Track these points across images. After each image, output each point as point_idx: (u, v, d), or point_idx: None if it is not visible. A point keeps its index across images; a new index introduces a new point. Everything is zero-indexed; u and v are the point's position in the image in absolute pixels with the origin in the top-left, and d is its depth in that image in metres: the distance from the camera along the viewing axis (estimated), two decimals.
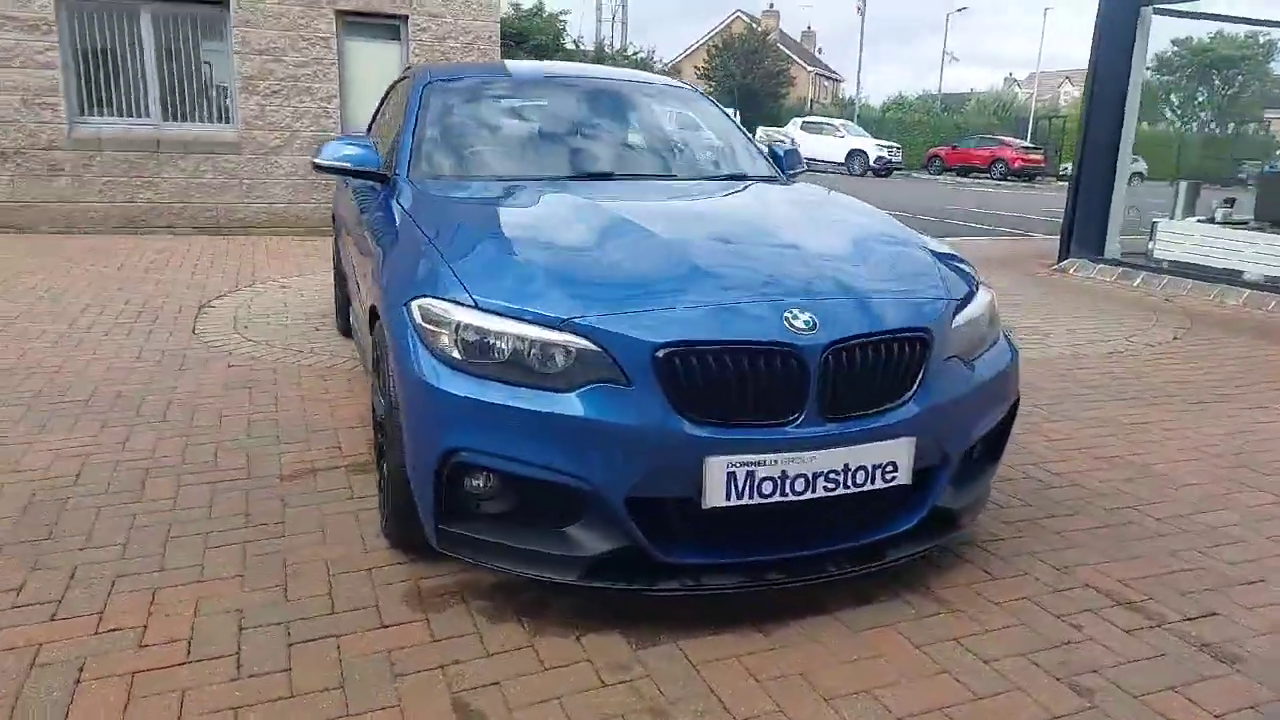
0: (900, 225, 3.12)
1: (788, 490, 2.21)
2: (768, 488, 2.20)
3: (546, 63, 4.59)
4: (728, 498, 2.17)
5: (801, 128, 31.87)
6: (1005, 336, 2.86)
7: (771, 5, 59.00)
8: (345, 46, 9.28)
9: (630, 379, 2.14)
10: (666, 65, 49.53)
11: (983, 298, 2.74)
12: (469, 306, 2.25)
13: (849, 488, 2.28)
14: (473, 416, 2.17)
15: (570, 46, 43.80)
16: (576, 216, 2.77)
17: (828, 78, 61.77)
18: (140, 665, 2.08)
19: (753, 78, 43.94)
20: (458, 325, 2.23)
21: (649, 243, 2.59)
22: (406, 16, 9.36)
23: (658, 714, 1.98)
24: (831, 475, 2.25)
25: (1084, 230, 9.16)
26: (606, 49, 45.38)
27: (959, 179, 30.44)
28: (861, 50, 37.31)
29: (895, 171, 30.25)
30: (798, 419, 2.22)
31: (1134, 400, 4.61)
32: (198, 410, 3.84)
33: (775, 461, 2.19)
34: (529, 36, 40.69)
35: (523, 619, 2.33)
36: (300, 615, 2.31)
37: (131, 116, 8.71)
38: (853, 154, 29.67)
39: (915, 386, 2.37)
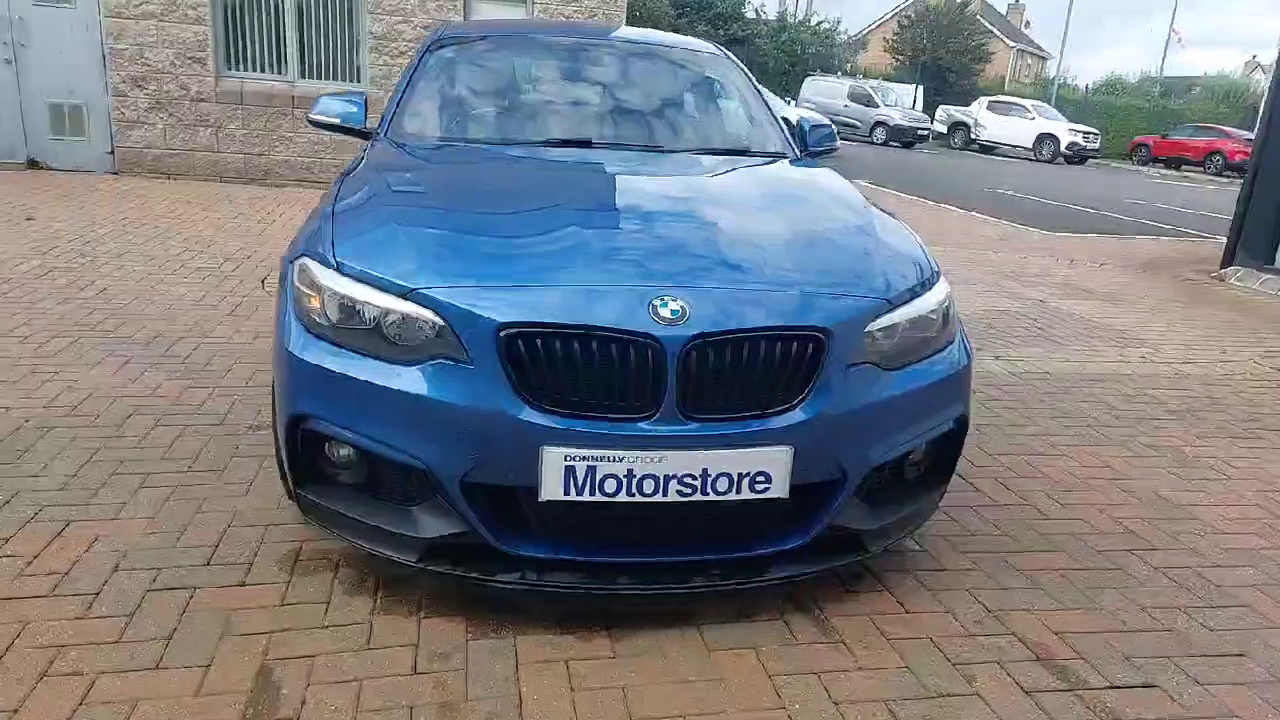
0: (870, 215, 2.79)
1: (634, 490, 2.05)
2: (611, 485, 2.04)
3: (571, 21, 4.45)
4: (565, 492, 2.04)
5: (987, 108, 29.82)
6: (963, 341, 2.53)
7: None
8: (472, 9, 9.46)
9: (471, 357, 2.04)
10: (852, 37, 47.75)
11: (930, 298, 2.43)
12: (334, 270, 2.21)
13: (708, 495, 2.09)
14: (320, 384, 2.14)
15: (750, 15, 43.14)
16: (499, 186, 2.68)
17: (1033, 55, 57.58)
18: (4, 593, 2.20)
19: (945, 52, 41.54)
20: (324, 289, 2.19)
21: (552, 217, 2.46)
22: None
23: (446, 709, 1.90)
24: (686, 479, 2.06)
25: (1254, 234, 8.09)
26: (789, 19, 44.28)
27: (1165, 171, 27.71)
28: (1068, 24, 34.12)
29: (1091, 159, 27.86)
30: (653, 415, 2.04)
31: (1216, 432, 4.03)
32: (216, 356, 4.05)
33: (621, 459, 2.03)
34: (711, 5, 40.39)
35: (380, 594, 2.30)
36: (175, 564, 2.37)
37: (271, 72, 9.27)
38: (1042, 138, 27.50)
39: (805, 392, 2.13)
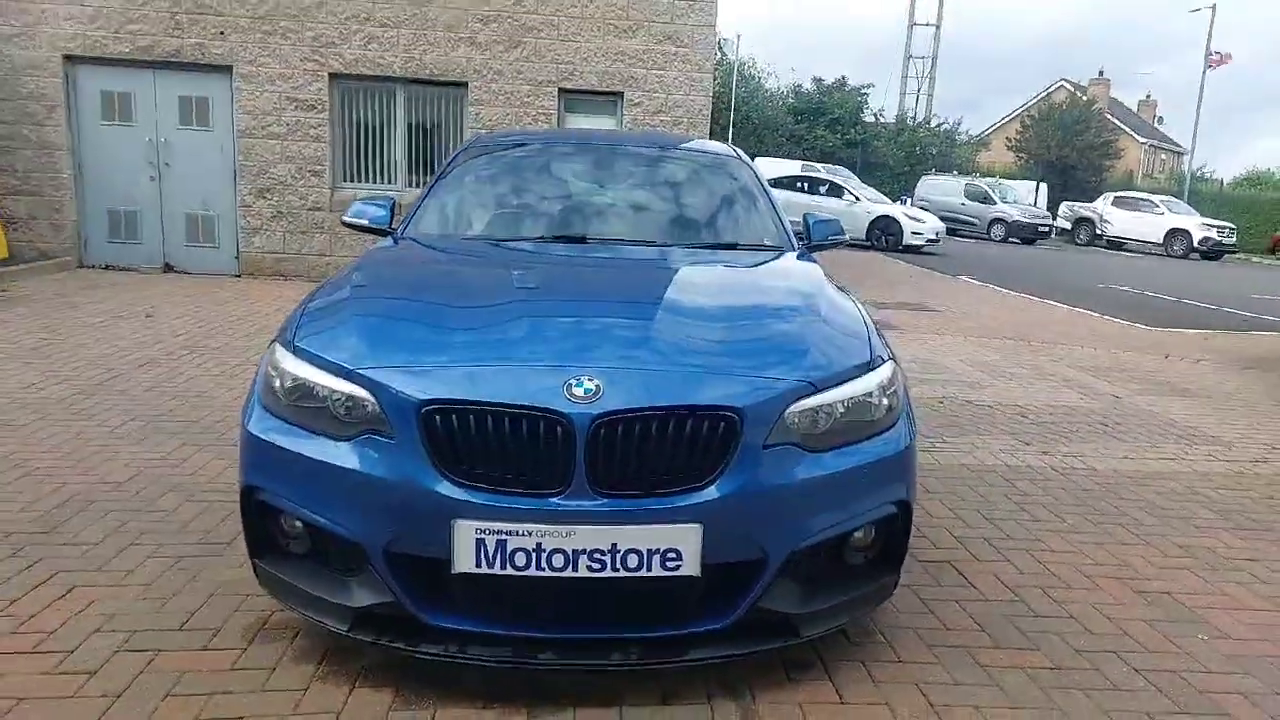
0: (821, 302, 2.82)
1: (544, 565, 2.12)
2: (521, 559, 2.12)
3: (594, 129, 4.72)
4: (477, 564, 2.12)
5: (1113, 203, 28.88)
6: (908, 425, 2.51)
7: (1101, 73, 54.29)
8: (565, 120, 10.07)
9: (395, 433, 2.19)
10: (973, 138, 47.45)
11: (868, 380, 2.43)
12: (292, 353, 2.42)
13: (619, 571, 2.13)
14: (269, 458, 2.32)
15: (869, 119, 43.62)
16: (468, 279, 2.88)
17: (1167, 150, 55.54)
18: None
19: (1070, 149, 40.69)
20: (282, 371, 2.40)
21: (503, 307, 2.61)
22: (622, 93, 9.97)
23: None
24: (596, 555, 2.12)
25: None
26: (909, 121, 44.53)
27: None
28: (1198, 118, 32.74)
29: (1227, 255, 26.43)
30: (563, 490, 2.12)
31: (1263, 535, 3.74)
32: None
33: (530, 533, 2.11)
34: (827, 110, 41.18)
35: (324, 664, 2.41)
36: (151, 627, 2.56)
37: (380, 182, 10.07)
38: (1173, 233, 26.33)
39: (717, 471, 2.17)
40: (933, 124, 43.40)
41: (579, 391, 2.15)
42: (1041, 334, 9.08)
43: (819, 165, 26.90)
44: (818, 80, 43.23)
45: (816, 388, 2.33)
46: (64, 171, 9.65)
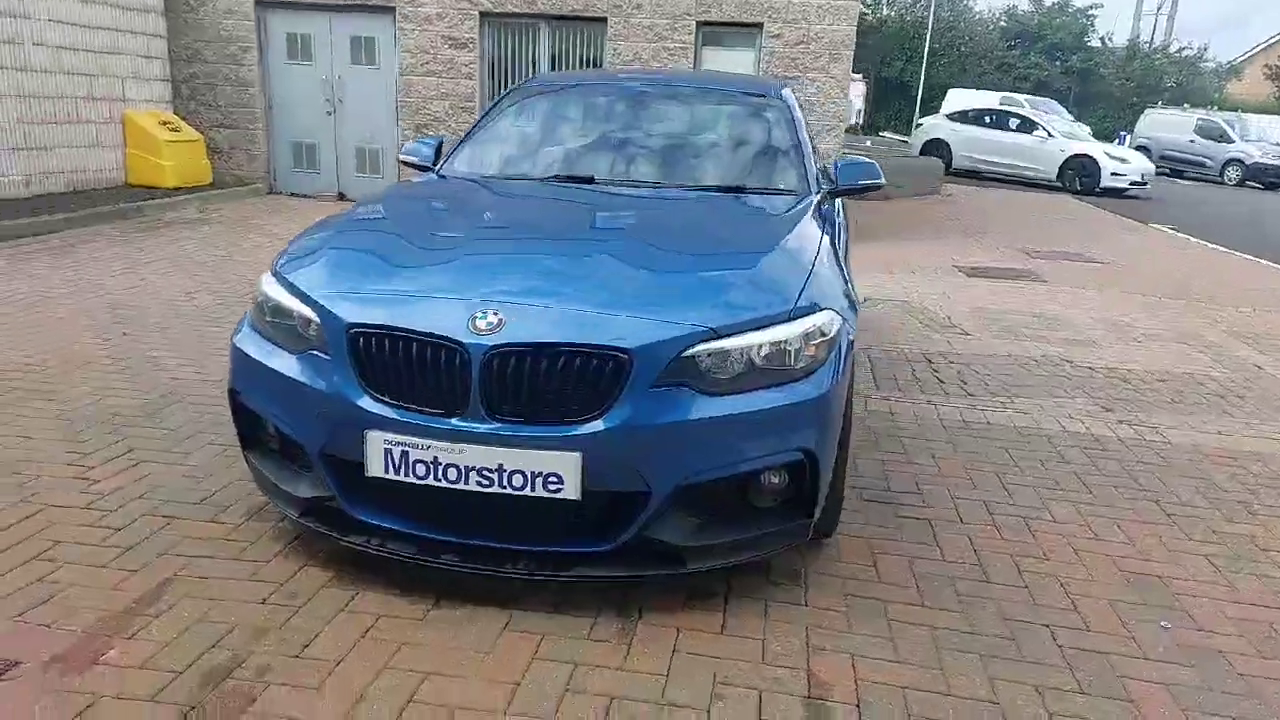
0: (772, 248, 2.84)
1: (440, 477, 2.36)
2: (420, 470, 2.37)
3: (637, 70, 4.73)
4: (385, 471, 2.40)
5: None
6: (832, 375, 2.52)
7: None
8: (702, 54, 10.02)
9: (331, 351, 2.48)
10: (1222, 66, 42.01)
11: (788, 329, 2.47)
12: (273, 277, 2.77)
13: (505, 488, 2.34)
14: (245, 366, 2.69)
15: (1095, 45, 39.57)
16: (455, 215, 3.10)
17: None
18: (56, 498, 3.00)
19: None
20: (263, 291, 2.76)
21: (465, 242, 2.83)
22: (761, 24, 9.78)
23: (258, 632, 2.33)
24: (485, 472, 2.33)
25: None
26: (1142, 46, 40.07)
27: None
28: None
29: None
30: (461, 412, 2.35)
31: None
32: None
33: (428, 447, 2.35)
34: (1045, 34, 37.72)
35: (294, 543, 2.80)
36: (180, 500, 3.05)
37: None
38: None
39: (604, 406, 2.31)
40: (1171, 50, 38.72)
41: (481, 324, 2.35)
42: (1211, 294, 8.21)
43: (1022, 98, 24.92)
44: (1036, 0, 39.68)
45: (717, 334, 2.40)
46: (257, 107, 10.74)
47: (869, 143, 29.83)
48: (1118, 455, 4.00)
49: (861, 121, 39.76)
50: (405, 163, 4.09)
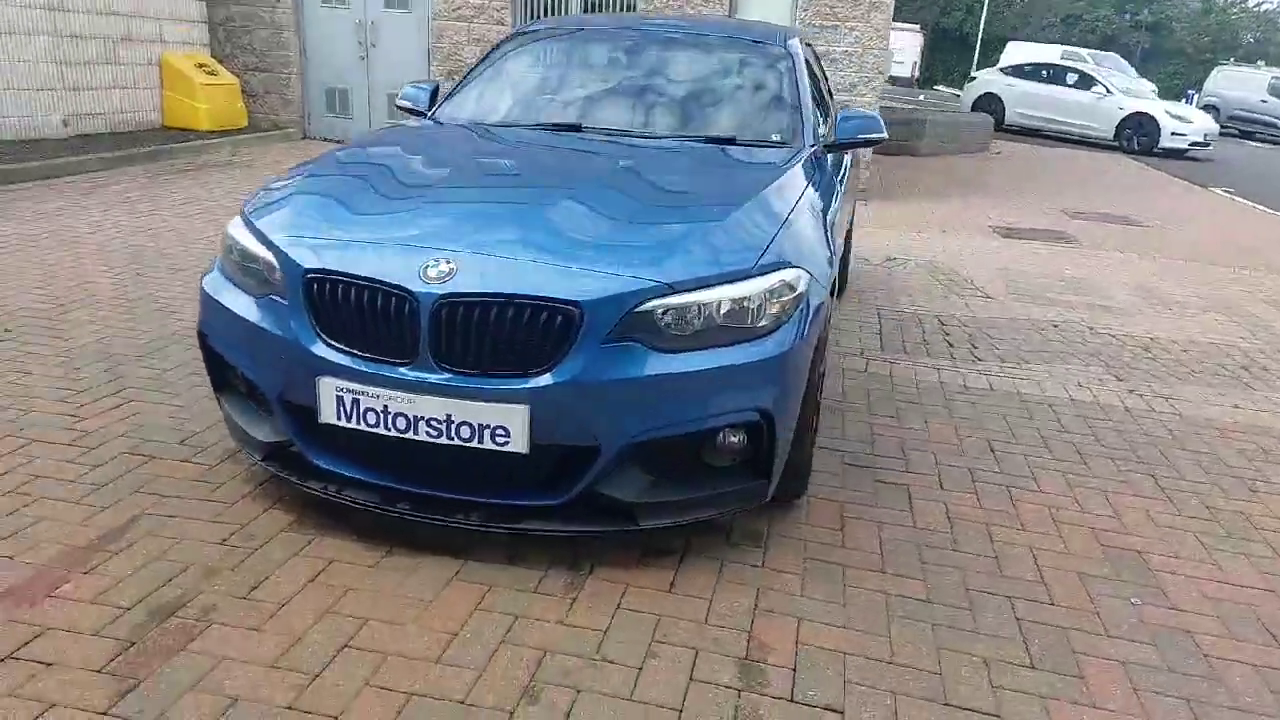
0: (742, 205, 2.75)
1: (389, 426, 2.36)
2: (371, 418, 2.37)
3: (643, 16, 4.59)
4: (337, 418, 2.41)
5: None
6: (794, 335, 2.46)
7: None
8: (738, 8, 9.74)
9: (288, 295, 2.48)
10: None
11: (748, 286, 2.41)
12: (241, 221, 2.76)
13: (453, 439, 2.33)
14: (211, 309, 2.70)
15: None
16: (427, 161, 3.06)
17: None
18: (43, 436, 3.07)
19: None
20: (230, 235, 2.76)
21: (432, 190, 2.80)
22: None
23: (210, 572, 2.37)
24: (433, 422, 2.33)
25: None
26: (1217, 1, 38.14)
27: None
28: None
29: None
30: (410, 362, 2.33)
31: None
32: None
33: (378, 395, 2.35)
34: None
35: (258, 489, 2.82)
36: (162, 439, 3.09)
37: None
38: None
39: (555, 360, 2.28)
40: (1249, 3, 36.83)
41: (432, 273, 2.32)
42: (1262, 262, 7.87)
43: (1085, 52, 23.92)
44: None
45: (673, 289, 2.34)
46: (291, 50, 10.74)
47: (922, 96, 29.04)
48: (1121, 426, 3.87)
49: (917, 74, 38.67)
50: (401, 108, 4.05)
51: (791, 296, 2.50)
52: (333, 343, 2.40)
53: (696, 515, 2.53)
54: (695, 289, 2.37)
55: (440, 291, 2.29)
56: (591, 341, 2.29)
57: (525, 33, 4.24)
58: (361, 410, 2.38)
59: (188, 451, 3.03)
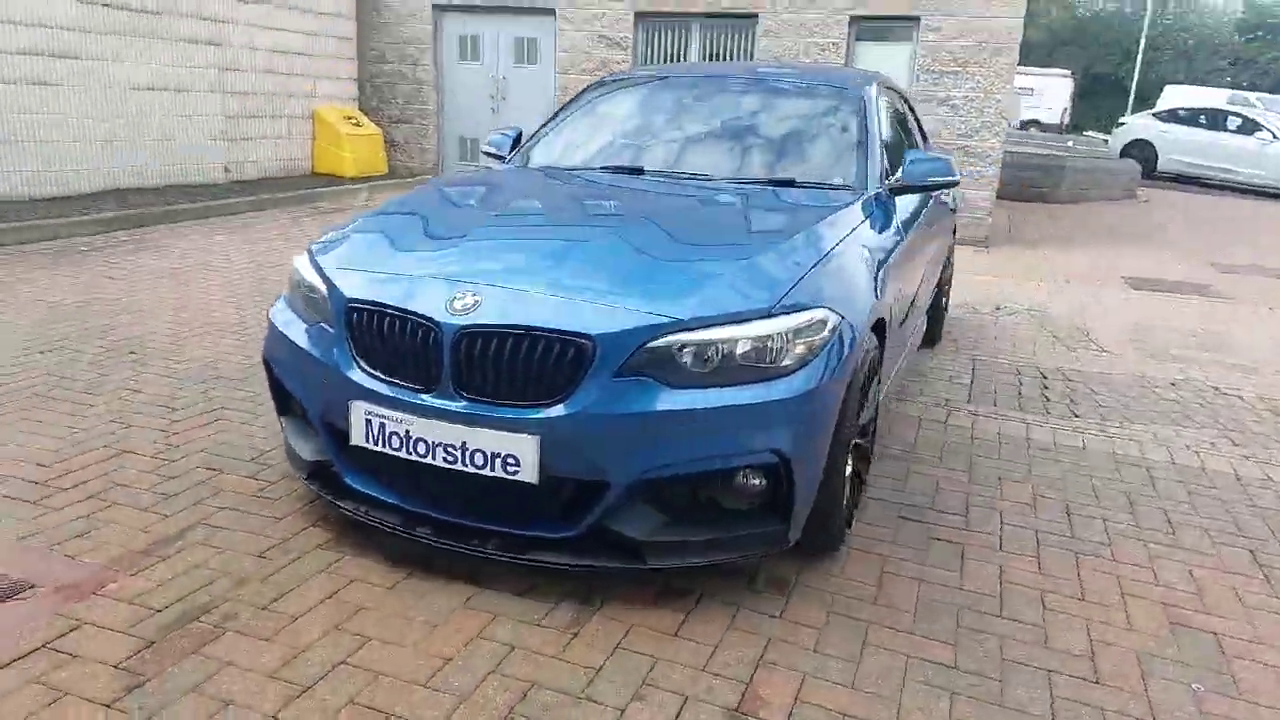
0: (774, 244, 2.74)
1: (411, 450, 2.44)
2: (395, 442, 2.46)
3: (714, 65, 4.59)
4: (365, 440, 2.51)
5: None
6: (819, 374, 2.39)
7: None
8: (855, 49, 9.67)
9: (333, 323, 2.62)
10: None
11: (770, 325, 2.38)
12: (307, 255, 2.94)
13: (468, 466, 2.38)
14: (273, 335, 2.88)
15: None
16: (484, 201, 3.18)
17: None
18: (134, 447, 3.34)
19: None
20: (296, 269, 2.94)
21: (473, 227, 2.90)
22: (918, 18, 9.32)
23: (241, 581, 2.49)
24: (450, 448, 2.39)
25: None
26: None
27: None
28: None
29: None
30: (433, 389, 2.41)
31: None
32: None
33: (401, 420, 2.43)
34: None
35: (304, 505, 2.95)
36: (235, 455, 3.30)
37: None
38: None
39: (570, 390, 2.31)
40: None
41: (458, 305, 2.40)
42: None
43: (1253, 96, 22.30)
44: None
45: (686, 325, 2.33)
46: (430, 104, 11.43)
47: (1070, 142, 27.83)
48: (1226, 495, 3.52)
49: (1066, 120, 37.07)
50: (486, 153, 4.23)
51: (814, 339, 2.43)
52: (367, 368, 2.51)
53: (708, 558, 2.47)
54: (709, 326, 2.34)
55: (462, 323, 2.36)
56: (604, 375, 2.30)
57: (605, 81, 4.35)
58: (387, 434, 2.46)
59: (254, 469, 3.22)
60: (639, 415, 2.29)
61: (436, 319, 2.39)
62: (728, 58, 10.15)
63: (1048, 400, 4.56)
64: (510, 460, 2.34)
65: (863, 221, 3.13)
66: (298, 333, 2.75)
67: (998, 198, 14.80)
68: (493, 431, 2.34)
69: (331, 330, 2.63)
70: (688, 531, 2.43)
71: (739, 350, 2.36)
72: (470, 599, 2.47)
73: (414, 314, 2.43)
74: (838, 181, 3.48)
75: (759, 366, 2.37)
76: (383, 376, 2.49)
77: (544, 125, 4.18)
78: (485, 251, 2.72)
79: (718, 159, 3.66)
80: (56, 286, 5.53)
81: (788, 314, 2.42)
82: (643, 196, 3.29)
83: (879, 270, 3.00)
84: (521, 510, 2.46)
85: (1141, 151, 17.93)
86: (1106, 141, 23.34)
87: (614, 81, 4.35)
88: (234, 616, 2.33)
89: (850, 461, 2.80)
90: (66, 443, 3.33)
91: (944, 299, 5.46)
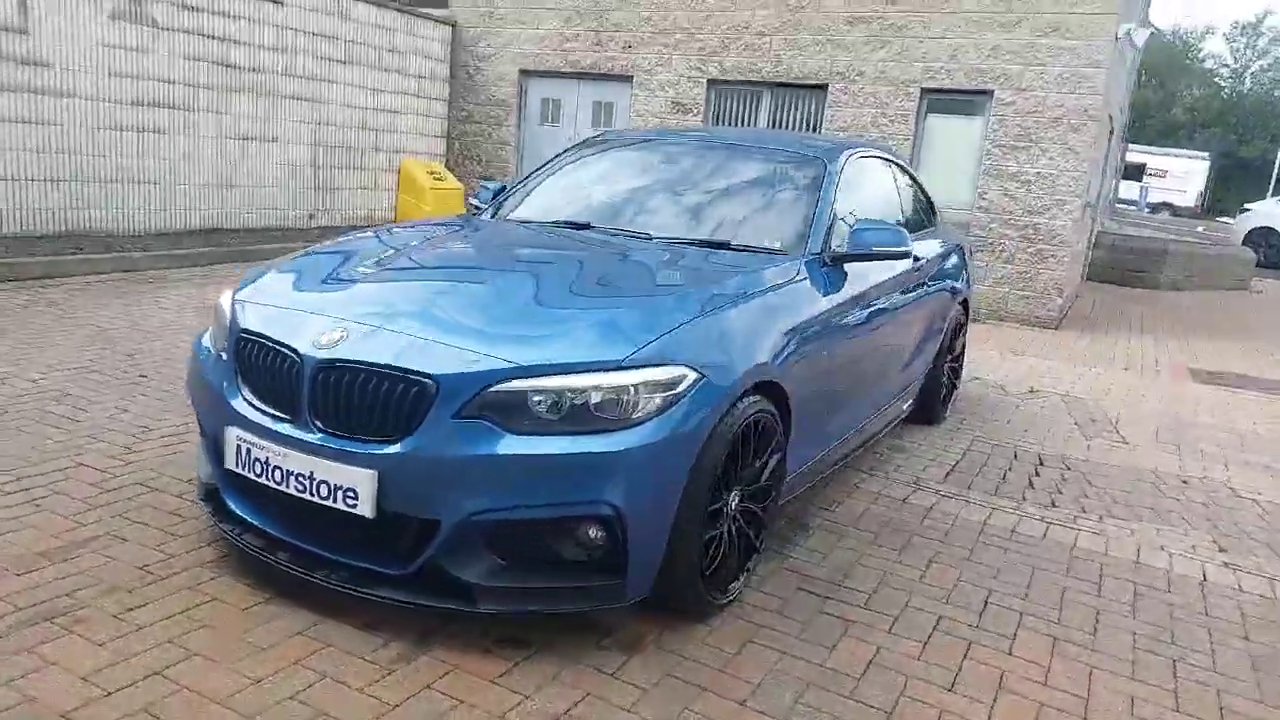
0: (676, 299, 2.77)
1: (270, 477, 2.55)
2: (257, 468, 2.58)
3: (688, 129, 4.63)
4: (236, 465, 2.64)
5: None
6: (668, 429, 2.40)
7: None
8: (926, 123, 9.56)
9: (227, 352, 2.78)
10: None
11: (611, 379, 2.40)
12: (231, 289, 3.13)
13: (315, 497, 2.47)
14: (191, 363, 3.06)
15: None
16: (411, 246, 3.32)
17: None
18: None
19: None
20: (219, 301, 3.11)
21: (383, 270, 3.04)
22: (992, 92, 9.15)
23: (112, 589, 2.63)
24: (300, 477, 2.48)
25: None
26: None
27: None
28: None
29: None
30: (294, 420, 2.52)
31: None
32: None
33: (264, 449, 2.55)
34: None
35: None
36: (183, 475, 3.51)
37: None
38: None
39: (410, 429, 2.37)
40: None
41: (324, 340, 2.53)
42: None
43: None
44: None
45: (526, 372, 2.37)
46: (510, 161, 11.91)
47: (1200, 228, 26.58)
48: (1181, 601, 3.24)
49: (1202, 204, 35.31)
50: (472, 206, 4.41)
51: (671, 394, 2.43)
52: (247, 397, 2.66)
53: (540, 607, 2.47)
54: (550, 374, 2.38)
55: (320, 357, 2.48)
56: (444, 416, 2.36)
57: (587, 141, 4.49)
58: (252, 460, 2.58)
59: (183, 489, 3.38)
60: (471, 458, 2.33)
61: (301, 351, 2.52)
62: (797, 126, 10.21)
63: (1031, 487, 4.32)
64: (350, 494, 2.41)
65: (781, 286, 3.11)
66: (207, 361, 2.92)
67: (1092, 279, 14.19)
68: (337, 464, 2.42)
69: (223, 357, 2.79)
70: (523, 579, 2.44)
71: (593, 400, 2.38)
72: (313, 627, 2.53)
73: (283, 346, 2.57)
74: (775, 246, 3.47)
75: (610, 418, 2.38)
76: (258, 405, 2.62)
77: (526, 178, 4.33)
78: (372, 292, 2.85)
79: (665, 219, 3.70)
80: (116, 313, 6.01)
81: (640, 368, 2.43)
82: (562, 250, 3.37)
83: (790, 335, 2.97)
84: (364, 544, 2.52)
85: (1267, 240, 16.86)
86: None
87: (601, 141, 4.48)
88: (83, 621, 2.46)
89: (733, 525, 2.75)
90: (36, 451, 3.60)
91: (946, 377, 5.26)
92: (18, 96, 7.61)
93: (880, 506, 3.87)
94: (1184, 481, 4.62)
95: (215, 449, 2.79)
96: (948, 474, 4.39)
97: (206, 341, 3.05)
